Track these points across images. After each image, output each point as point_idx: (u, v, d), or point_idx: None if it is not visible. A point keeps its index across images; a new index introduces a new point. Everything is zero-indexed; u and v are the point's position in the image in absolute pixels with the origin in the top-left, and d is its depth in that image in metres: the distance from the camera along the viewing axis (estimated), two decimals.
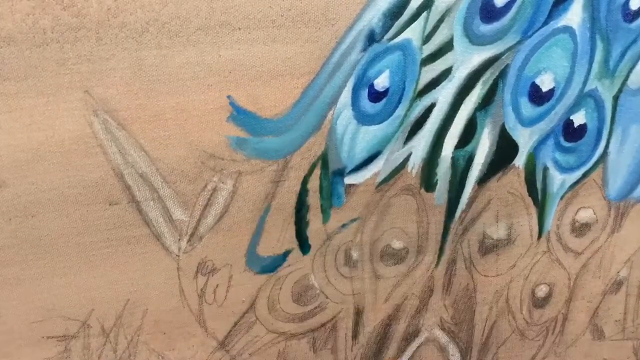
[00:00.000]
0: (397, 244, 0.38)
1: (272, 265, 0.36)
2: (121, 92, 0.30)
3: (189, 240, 0.34)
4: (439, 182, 0.37)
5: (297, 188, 0.35)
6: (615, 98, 0.37)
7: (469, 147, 0.36)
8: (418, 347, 0.41)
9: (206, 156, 0.33)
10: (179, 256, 0.34)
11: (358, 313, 0.39)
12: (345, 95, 0.33)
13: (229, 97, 0.32)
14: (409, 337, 0.41)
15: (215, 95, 0.32)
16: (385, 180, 0.36)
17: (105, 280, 0.34)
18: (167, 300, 0.35)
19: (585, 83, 0.36)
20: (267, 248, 0.35)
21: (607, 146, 0.39)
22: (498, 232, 0.39)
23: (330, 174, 0.35)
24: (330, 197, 0.35)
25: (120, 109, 0.31)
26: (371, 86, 0.33)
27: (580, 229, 0.41)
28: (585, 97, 0.37)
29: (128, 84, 0.30)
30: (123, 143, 0.31)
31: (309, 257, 0.37)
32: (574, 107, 0.37)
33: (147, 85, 0.31)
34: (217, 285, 0.35)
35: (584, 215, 0.40)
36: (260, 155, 0.33)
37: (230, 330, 0.37)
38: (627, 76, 0.37)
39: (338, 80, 0.33)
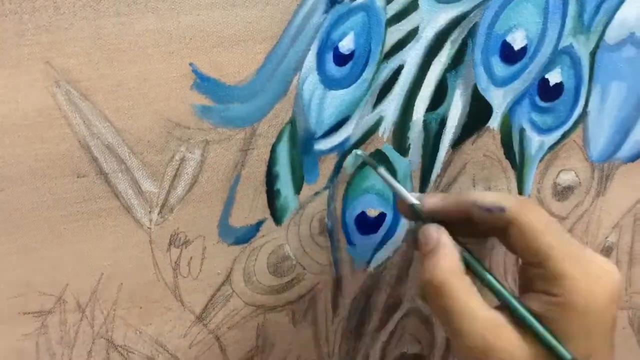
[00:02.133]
0: (372, 211, 0.38)
1: (245, 236, 0.36)
2: (82, 62, 0.31)
3: (159, 212, 0.34)
4: (411, 146, 0.37)
5: (267, 156, 0.35)
6: (592, 54, 0.37)
7: (440, 110, 0.36)
8: (401, 318, 0.41)
9: (172, 126, 0.33)
10: (150, 228, 0.35)
11: (337, 283, 0.39)
12: (310, 60, 0.33)
13: (191, 64, 0.32)
14: (391, 308, 0.41)
15: (177, 62, 0.32)
16: (356, 145, 0.36)
17: (78, 254, 0.34)
18: (142, 273, 0.35)
19: (559, 39, 0.36)
20: (240, 218, 0.36)
21: (586, 105, 0.38)
22: None
23: (299, 142, 0.35)
24: (300, 168, 0.35)
25: (82, 79, 0.31)
26: (336, 49, 0.33)
27: (563, 192, 0.40)
28: (560, 55, 0.36)
29: (88, 53, 0.31)
30: (87, 114, 0.31)
31: (283, 227, 0.37)
32: (549, 65, 0.36)
33: (108, 55, 0.31)
34: (191, 258, 0.36)
35: (566, 178, 0.40)
36: (226, 124, 0.33)
37: (207, 304, 0.37)
38: (604, 31, 0.36)
39: (301, 44, 0.33)
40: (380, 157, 0.37)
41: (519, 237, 0.29)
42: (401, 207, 0.34)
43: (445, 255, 0.30)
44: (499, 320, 0.29)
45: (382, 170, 0.34)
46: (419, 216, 0.32)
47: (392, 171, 0.37)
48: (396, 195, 0.34)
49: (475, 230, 0.32)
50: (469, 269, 0.31)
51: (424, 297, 0.31)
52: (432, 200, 0.32)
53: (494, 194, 0.31)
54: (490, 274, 0.31)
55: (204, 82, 0.32)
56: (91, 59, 0.31)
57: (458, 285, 0.29)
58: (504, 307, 0.30)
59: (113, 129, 0.32)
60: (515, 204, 0.29)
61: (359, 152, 0.35)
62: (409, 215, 0.33)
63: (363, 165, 0.36)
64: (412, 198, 0.33)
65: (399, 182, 0.35)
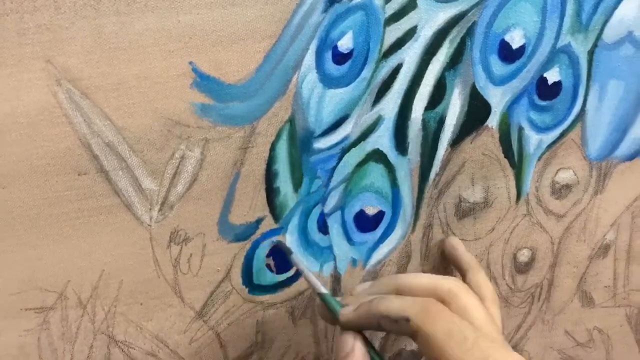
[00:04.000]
0: (370, 209, 0.38)
1: (244, 233, 0.36)
2: (83, 61, 0.31)
3: (160, 210, 0.35)
4: (410, 145, 0.37)
5: (266, 155, 0.35)
6: (591, 53, 0.37)
7: (439, 109, 0.36)
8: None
9: (172, 124, 0.33)
10: (150, 226, 0.35)
11: (335, 281, 0.39)
12: (309, 58, 0.33)
13: (191, 63, 0.32)
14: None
15: (177, 61, 0.32)
16: (355, 143, 0.36)
17: (79, 251, 0.34)
18: (142, 270, 0.35)
19: (557, 38, 0.36)
20: (239, 216, 0.36)
21: (584, 104, 0.38)
22: (474, 195, 0.39)
23: (298, 140, 0.35)
24: (300, 166, 0.35)
25: (83, 78, 0.31)
26: (335, 48, 0.33)
27: (561, 190, 0.41)
28: (558, 53, 0.36)
29: (89, 52, 0.31)
30: (88, 112, 0.32)
31: (282, 224, 0.37)
32: (547, 64, 0.37)
33: (108, 53, 0.31)
34: (191, 255, 0.36)
35: (564, 176, 0.40)
36: (226, 122, 0.34)
37: (207, 300, 0.37)
38: (602, 30, 0.37)
39: (301, 42, 0.33)
40: (378, 156, 0.37)
41: (424, 347, 0.28)
42: (320, 310, 0.34)
43: None
44: None
45: (295, 257, 0.35)
46: (335, 317, 0.33)
47: (392, 170, 0.38)
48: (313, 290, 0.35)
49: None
50: None
51: None
52: (345, 313, 0.32)
53: (401, 301, 0.30)
54: None
55: (203, 81, 0.32)
56: (92, 58, 0.31)
57: None
58: None
59: (113, 127, 0.32)
60: (419, 312, 0.28)
61: (274, 239, 0.36)
62: (327, 316, 0.34)
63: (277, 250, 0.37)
64: (323, 289, 0.33)
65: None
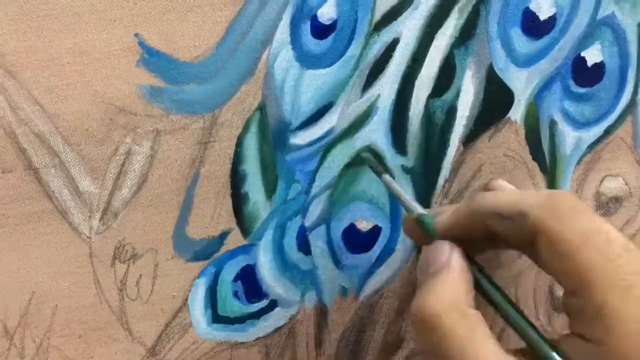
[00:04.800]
0: (363, 224, 0.33)
1: (206, 251, 0.32)
2: (6, 32, 0.28)
3: (101, 218, 0.30)
4: (411, 142, 0.32)
5: (231, 151, 0.31)
6: None
7: (447, 96, 0.32)
8: None
9: (115, 111, 0.29)
10: (90, 238, 0.31)
11: (321, 314, 0.34)
12: (283, 31, 0.29)
13: (137, 35, 0.28)
14: (390, 347, 0.35)
15: (119, 33, 0.28)
16: (341, 139, 0.31)
17: (4, 266, 0.30)
18: (80, 294, 0.31)
19: (597, 7, 0.31)
20: (199, 228, 0.31)
21: (635, 92, 0.33)
22: None
23: (271, 134, 0.30)
24: (273, 167, 0.31)
25: (7, 53, 0.28)
26: (314, 18, 0.29)
27: (609, 204, 0.35)
28: (599, 27, 0.32)
29: (14, 21, 0.27)
30: (13, 95, 0.28)
31: (252, 239, 0.32)
32: (585, 40, 0.32)
33: (37, 23, 0.28)
34: (140, 276, 0.31)
35: (612, 186, 0.35)
36: (181, 109, 0.30)
37: (161, 335, 0.32)
38: None
39: (271, 10, 0.29)
40: (372, 156, 0.32)
41: (548, 253, 0.22)
42: (407, 225, 0.29)
43: (451, 283, 0.24)
44: None
45: (387, 178, 0.30)
46: (430, 234, 0.27)
47: (388, 172, 0.32)
48: (402, 208, 0.30)
49: (501, 247, 0.26)
50: (491, 303, 0.25)
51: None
52: (442, 216, 0.27)
53: (514, 193, 0.25)
54: (516, 307, 0.25)
55: (152, 58, 0.29)
56: (17, 28, 0.28)
57: (458, 322, 0.23)
58: (531, 353, 0.23)
59: (44, 113, 0.29)
60: (541, 205, 0.23)
61: (363, 154, 0.31)
62: (418, 234, 0.28)
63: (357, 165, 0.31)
64: (421, 209, 0.28)
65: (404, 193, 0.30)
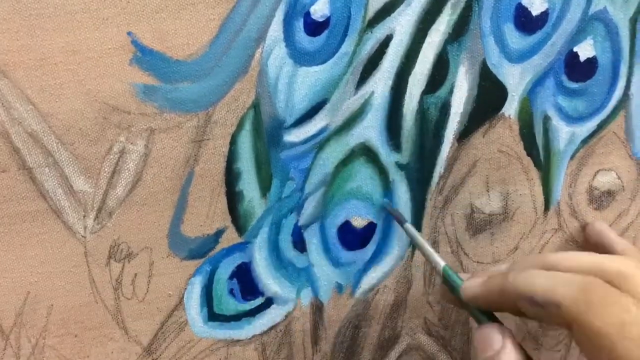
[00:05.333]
0: (358, 221, 0.33)
1: (201, 249, 0.31)
2: None
3: (96, 217, 0.30)
4: (405, 138, 0.32)
5: (225, 149, 0.30)
6: (633, 22, 0.32)
7: (441, 92, 0.31)
8: (398, 357, 0.35)
9: (108, 109, 0.29)
10: (85, 237, 0.30)
11: (317, 311, 0.34)
12: (276, 28, 0.29)
13: (129, 33, 0.28)
14: (386, 343, 0.35)
15: (112, 31, 0.28)
16: (335, 136, 0.31)
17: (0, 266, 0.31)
18: (76, 293, 0.31)
19: (589, 2, 0.31)
20: (194, 227, 0.31)
21: (627, 86, 0.33)
22: (490, 203, 0.34)
23: (265, 132, 0.30)
24: (267, 165, 0.31)
25: (0, 52, 0.28)
26: (307, 15, 0.29)
27: (601, 198, 0.35)
28: (591, 22, 0.31)
29: (6, 20, 0.27)
30: (6, 94, 0.28)
31: (247, 237, 0.32)
32: (578, 35, 0.32)
33: (30, 21, 0.27)
34: (136, 275, 0.31)
35: (605, 180, 0.35)
36: (175, 108, 0.29)
37: (157, 333, 0.32)
38: None
39: (264, 8, 0.29)
40: (366, 153, 0.32)
41: (587, 346, 0.22)
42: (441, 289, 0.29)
43: None
44: None
45: (410, 227, 0.30)
46: (456, 294, 0.27)
47: (383, 171, 0.32)
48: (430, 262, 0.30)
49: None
50: None
51: None
52: (470, 285, 0.26)
53: (551, 277, 0.24)
54: None
55: (145, 56, 0.28)
56: (9, 27, 0.27)
57: None
58: None
59: (37, 113, 0.29)
60: (577, 294, 0.22)
61: (383, 201, 0.32)
62: (449, 296, 0.28)
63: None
64: (443, 262, 0.28)
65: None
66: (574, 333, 0.22)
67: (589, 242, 0.33)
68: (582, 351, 0.22)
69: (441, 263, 0.28)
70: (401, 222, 0.31)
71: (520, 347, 0.25)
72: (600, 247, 0.33)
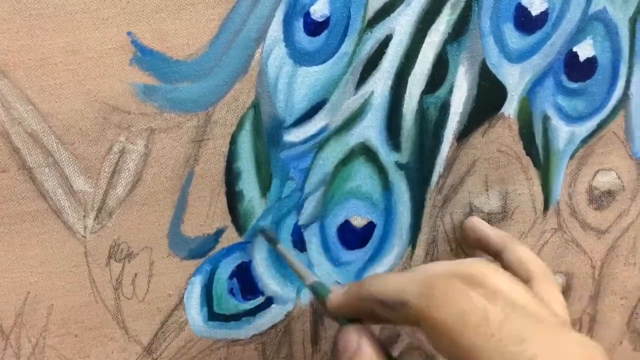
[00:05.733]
0: (358, 220, 0.33)
1: (201, 249, 0.32)
2: None
3: (96, 217, 0.30)
4: (405, 138, 0.32)
5: (225, 149, 0.31)
6: (633, 22, 0.32)
7: (440, 92, 0.32)
8: (398, 356, 0.36)
9: (108, 109, 0.29)
10: (85, 237, 0.31)
11: (317, 312, 0.34)
12: (276, 28, 0.29)
13: (129, 33, 0.28)
14: (386, 343, 0.35)
15: (112, 31, 0.28)
16: (335, 136, 0.31)
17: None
18: (76, 293, 0.31)
19: (589, 2, 0.31)
20: (194, 226, 0.31)
21: (627, 86, 0.33)
22: (489, 203, 0.34)
23: (265, 132, 0.30)
24: (267, 165, 0.31)
25: (0, 52, 0.28)
26: (307, 15, 0.29)
27: (601, 198, 0.35)
28: (591, 22, 0.32)
29: (6, 20, 0.27)
30: (6, 94, 0.28)
31: (248, 237, 0.32)
32: (578, 35, 0.32)
33: (30, 22, 0.27)
34: (136, 275, 0.32)
35: (605, 180, 0.35)
36: (175, 107, 0.29)
37: (157, 333, 0.33)
38: None
39: (264, 8, 0.29)
40: (366, 152, 0.32)
41: (433, 340, 0.22)
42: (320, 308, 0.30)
43: None
44: None
45: (281, 248, 0.31)
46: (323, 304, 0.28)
47: (383, 170, 0.32)
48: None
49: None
50: None
51: None
52: (333, 297, 0.27)
53: (400, 280, 0.24)
54: None
55: (145, 56, 0.29)
56: (9, 27, 0.27)
57: None
58: None
59: (37, 113, 0.29)
60: (419, 293, 0.23)
61: (259, 227, 0.32)
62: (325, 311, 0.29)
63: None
64: (314, 277, 0.29)
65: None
66: (423, 330, 0.23)
67: (469, 239, 0.34)
68: (432, 346, 0.23)
69: (310, 279, 0.29)
70: (274, 244, 0.31)
71: (379, 345, 0.25)
72: (478, 242, 0.33)
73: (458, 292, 0.22)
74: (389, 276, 0.25)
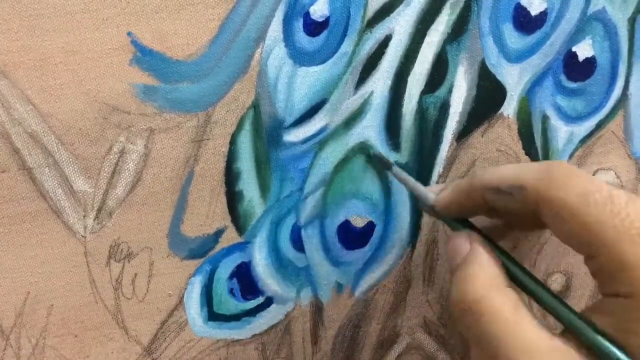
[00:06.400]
0: (357, 220, 0.33)
1: (201, 249, 0.31)
2: None
3: (96, 217, 0.30)
4: (404, 138, 0.32)
5: (225, 149, 0.30)
6: (632, 21, 0.32)
7: (440, 92, 0.31)
8: (398, 356, 0.35)
9: (108, 110, 0.29)
10: (85, 237, 0.30)
11: (317, 311, 0.34)
12: (275, 28, 0.29)
13: (129, 34, 0.28)
14: (386, 343, 0.35)
15: (112, 31, 0.28)
16: (335, 136, 0.31)
17: None
18: (76, 293, 0.31)
19: (588, 2, 0.31)
20: (194, 226, 0.31)
21: (626, 86, 0.33)
22: None
23: (265, 132, 0.30)
24: (267, 165, 0.31)
25: (0, 52, 0.28)
26: (307, 15, 0.29)
27: None
28: (590, 21, 0.31)
29: (6, 20, 0.27)
30: (6, 95, 0.28)
31: (247, 237, 0.32)
32: (577, 35, 0.31)
33: (29, 22, 0.27)
34: (136, 275, 0.31)
35: (604, 179, 0.34)
36: (174, 108, 0.29)
37: (157, 333, 0.32)
38: None
39: (264, 8, 0.29)
40: (363, 152, 0.32)
41: (555, 222, 0.22)
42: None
43: (481, 266, 0.24)
44: (568, 353, 0.22)
45: (397, 169, 0.30)
46: (441, 218, 0.28)
47: (381, 170, 0.32)
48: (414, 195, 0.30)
49: (511, 221, 0.26)
50: (517, 285, 0.25)
51: (454, 328, 0.24)
52: (441, 195, 0.27)
53: (512, 167, 0.24)
54: (546, 288, 0.24)
55: (145, 56, 0.28)
56: (9, 27, 0.27)
57: (502, 302, 0.23)
58: (571, 332, 0.23)
59: (37, 113, 0.29)
60: (538, 176, 0.23)
61: (373, 151, 0.31)
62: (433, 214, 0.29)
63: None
64: (430, 195, 0.28)
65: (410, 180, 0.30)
66: (541, 213, 0.22)
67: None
68: (551, 230, 0.22)
69: (429, 201, 0.28)
70: (389, 167, 0.30)
71: (492, 250, 0.25)
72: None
73: (580, 174, 0.22)
74: (503, 166, 0.25)
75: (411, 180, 0.29)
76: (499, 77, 0.32)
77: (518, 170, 0.24)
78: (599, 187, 0.22)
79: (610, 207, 0.21)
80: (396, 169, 0.30)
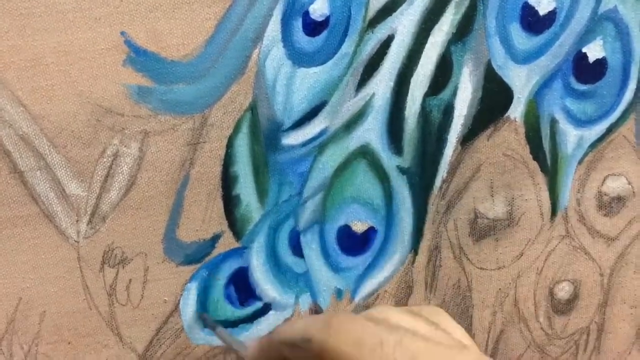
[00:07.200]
0: (358, 225, 0.33)
1: (197, 254, 0.31)
2: None
3: (89, 222, 0.30)
4: (407, 142, 0.32)
5: (222, 152, 0.30)
6: None
7: (444, 94, 0.31)
8: None
9: (101, 112, 0.29)
10: (78, 242, 0.30)
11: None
12: (274, 28, 0.29)
13: (123, 33, 0.28)
14: None
15: (105, 31, 0.28)
16: (335, 139, 0.31)
17: None
18: (69, 299, 0.31)
19: (599, 1, 0.31)
20: (190, 231, 0.31)
21: (638, 89, 0.33)
22: (494, 209, 0.33)
23: (262, 135, 0.30)
24: (265, 168, 0.31)
25: None
26: (306, 14, 0.29)
27: (611, 204, 0.35)
28: (601, 21, 0.31)
29: None
30: None
31: (245, 242, 0.32)
32: (587, 35, 0.31)
33: (20, 21, 0.27)
34: (130, 281, 0.31)
35: (615, 186, 0.34)
36: (169, 110, 0.29)
37: (152, 340, 0.32)
38: None
39: (262, 7, 0.29)
40: (366, 156, 0.32)
41: None
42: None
43: None
44: None
45: (222, 332, 0.31)
46: None
47: (384, 175, 0.32)
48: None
49: None
50: None
51: None
52: (250, 350, 0.28)
53: (301, 320, 0.27)
54: None
55: (139, 57, 0.28)
56: None
57: None
58: None
59: (28, 115, 0.29)
60: (321, 327, 0.25)
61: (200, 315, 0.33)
62: None
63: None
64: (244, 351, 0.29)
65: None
66: None
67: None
68: None
69: (238, 344, 0.30)
70: (212, 328, 0.32)
71: None
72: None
73: (354, 322, 0.24)
74: (297, 319, 0.27)
75: (235, 339, 0.31)
76: (505, 79, 0.32)
77: (307, 322, 0.25)
78: (370, 333, 0.24)
79: (380, 353, 0.23)
80: (220, 329, 0.32)
